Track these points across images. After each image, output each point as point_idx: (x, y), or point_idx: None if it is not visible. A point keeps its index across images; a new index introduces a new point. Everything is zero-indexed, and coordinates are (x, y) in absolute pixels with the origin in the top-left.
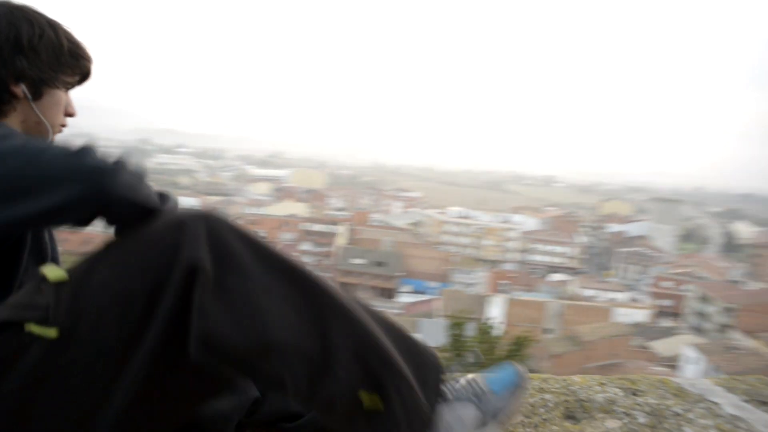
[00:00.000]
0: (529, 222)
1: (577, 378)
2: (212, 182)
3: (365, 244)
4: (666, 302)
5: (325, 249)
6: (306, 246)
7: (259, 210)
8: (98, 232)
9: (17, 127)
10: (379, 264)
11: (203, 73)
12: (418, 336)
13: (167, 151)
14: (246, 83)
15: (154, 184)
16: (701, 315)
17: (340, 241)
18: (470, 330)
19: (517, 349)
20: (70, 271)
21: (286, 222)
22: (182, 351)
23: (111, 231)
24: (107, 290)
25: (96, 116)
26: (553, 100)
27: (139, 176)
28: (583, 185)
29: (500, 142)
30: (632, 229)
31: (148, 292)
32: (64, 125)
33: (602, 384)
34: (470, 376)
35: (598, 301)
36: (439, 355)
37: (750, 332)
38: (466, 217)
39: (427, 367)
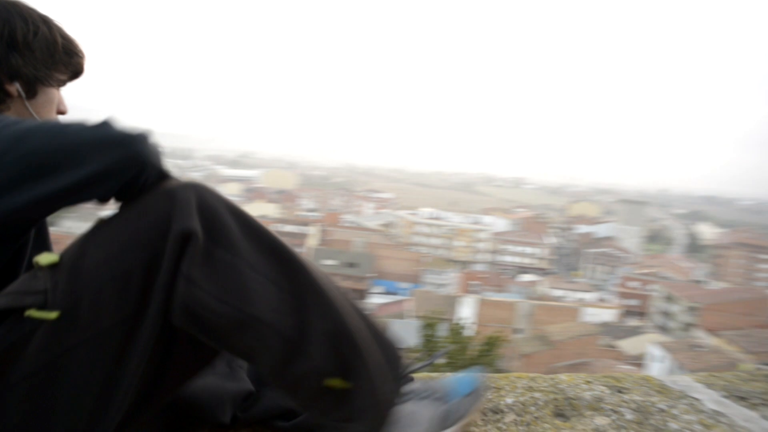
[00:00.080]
0: (499, 223)
1: (564, 376)
2: None
3: (336, 245)
4: (632, 302)
5: None
6: None
7: None
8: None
9: None
10: (351, 265)
11: (172, 72)
12: (389, 329)
13: None
14: (216, 82)
15: None
16: (666, 314)
17: (312, 242)
18: (442, 330)
19: (489, 349)
20: (63, 254)
21: None
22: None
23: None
24: (104, 268)
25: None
26: (524, 103)
27: (157, 144)
28: (553, 187)
29: (471, 145)
30: (600, 230)
31: (145, 266)
32: None
33: (588, 382)
34: (433, 376)
35: (567, 301)
36: (409, 353)
37: (712, 330)
38: (437, 218)
39: (394, 361)
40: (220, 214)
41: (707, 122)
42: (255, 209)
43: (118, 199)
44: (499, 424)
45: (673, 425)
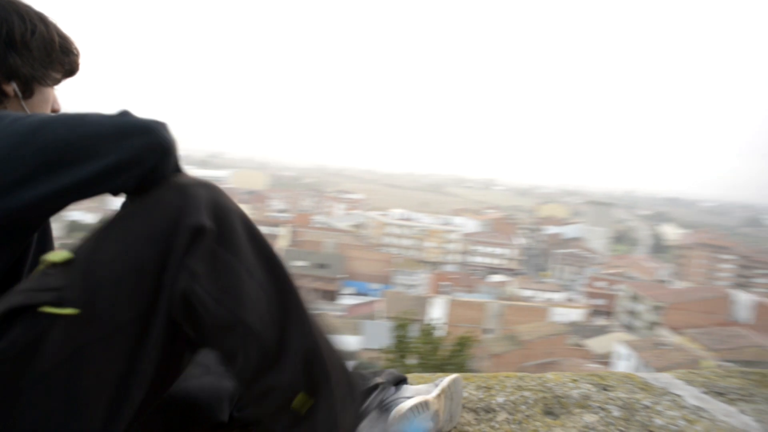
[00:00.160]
0: (469, 224)
1: (550, 375)
2: None
3: (307, 246)
4: (599, 301)
5: None
6: None
7: None
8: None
9: None
10: (322, 266)
11: (140, 71)
12: (350, 356)
13: None
14: (184, 81)
15: None
16: (632, 313)
17: (282, 243)
18: (413, 331)
19: (460, 349)
20: (76, 251)
21: None
22: None
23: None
24: (118, 263)
25: None
26: (494, 106)
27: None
28: (522, 188)
29: (442, 146)
30: (568, 231)
31: (158, 260)
32: None
33: (575, 380)
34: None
35: (536, 301)
36: (369, 374)
37: (676, 329)
38: (407, 219)
39: (354, 388)
40: (230, 216)
41: (674, 125)
42: None
43: (138, 189)
44: (492, 423)
45: (658, 421)
